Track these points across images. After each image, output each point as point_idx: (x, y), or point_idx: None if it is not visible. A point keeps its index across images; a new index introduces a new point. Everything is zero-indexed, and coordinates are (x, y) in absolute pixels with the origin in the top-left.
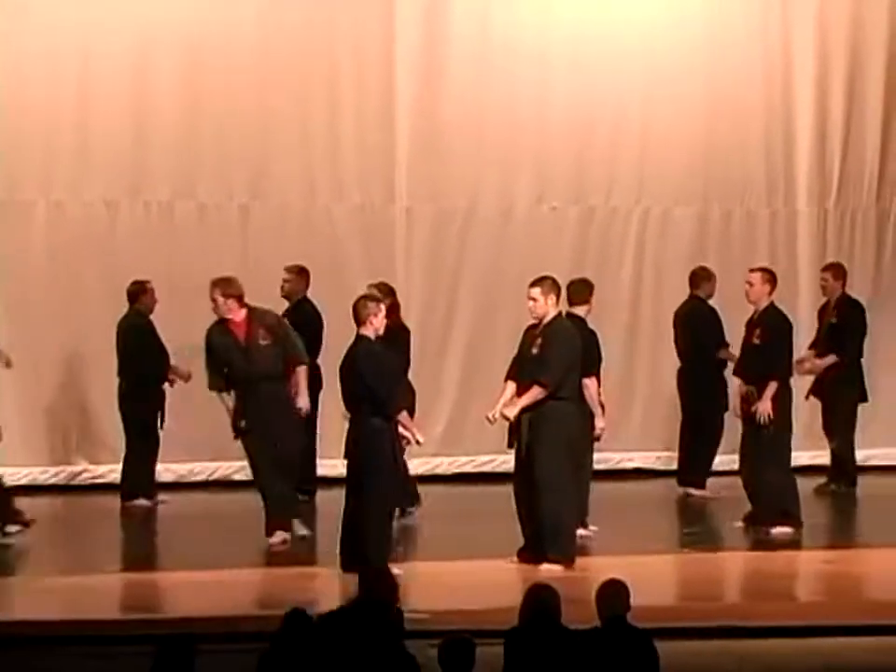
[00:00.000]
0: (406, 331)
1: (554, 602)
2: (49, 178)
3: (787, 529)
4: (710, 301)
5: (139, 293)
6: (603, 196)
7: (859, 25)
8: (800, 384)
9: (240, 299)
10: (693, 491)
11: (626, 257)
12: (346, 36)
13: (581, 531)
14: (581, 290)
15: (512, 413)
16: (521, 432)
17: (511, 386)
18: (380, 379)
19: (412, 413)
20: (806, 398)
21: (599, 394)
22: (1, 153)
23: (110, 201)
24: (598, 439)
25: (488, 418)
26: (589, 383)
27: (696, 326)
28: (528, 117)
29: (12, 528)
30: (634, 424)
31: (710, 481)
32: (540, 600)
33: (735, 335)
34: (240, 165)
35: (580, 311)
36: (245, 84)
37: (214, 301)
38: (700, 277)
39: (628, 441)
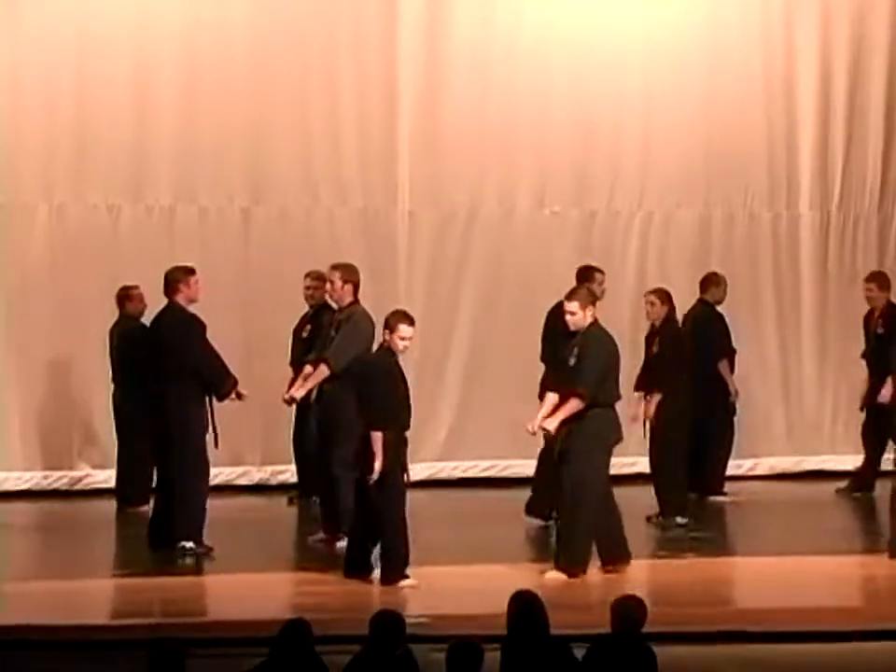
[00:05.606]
0: None
1: (537, 607)
2: (50, 182)
3: None
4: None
5: (124, 299)
6: (605, 200)
7: (861, 29)
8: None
9: (356, 287)
10: (713, 497)
11: (628, 260)
12: (347, 40)
13: None
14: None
15: (552, 425)
16: (557, 440)
17: (552, 397)
18: (373, 389)
19: None
20: (861, 409)
21: None
22: (2, 156)
23: (112, 204)
24: None
25: (528, 430)
26: None
27: (704, 331)
28: (529, 121)
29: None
30: (635, 430)
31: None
32: (522, 606)
33: (738, 340)
34: (241, 169)
35: None
36: (245, 87)
37: (331, 283)
38: (710, 282)
39: (630, 446)
